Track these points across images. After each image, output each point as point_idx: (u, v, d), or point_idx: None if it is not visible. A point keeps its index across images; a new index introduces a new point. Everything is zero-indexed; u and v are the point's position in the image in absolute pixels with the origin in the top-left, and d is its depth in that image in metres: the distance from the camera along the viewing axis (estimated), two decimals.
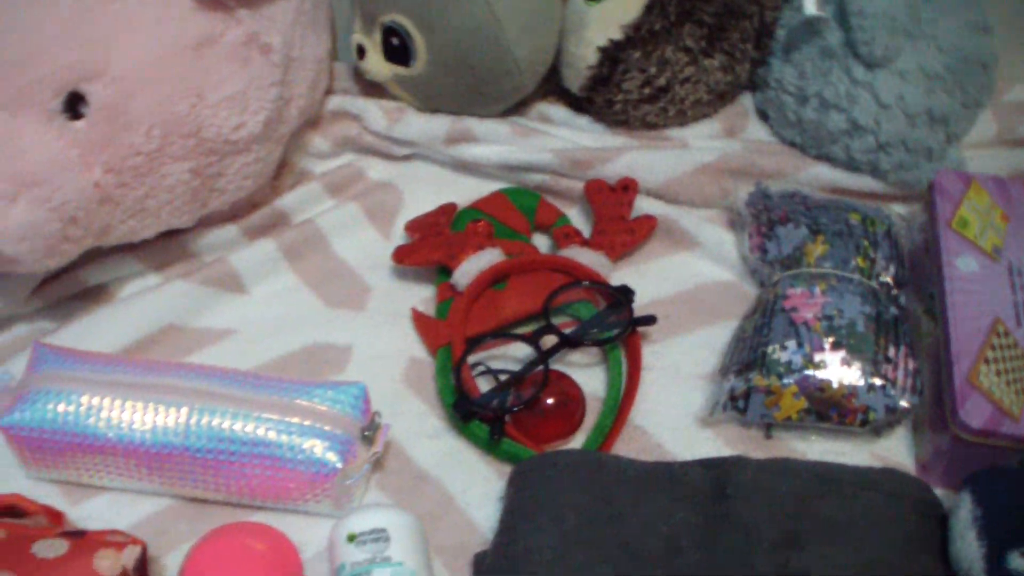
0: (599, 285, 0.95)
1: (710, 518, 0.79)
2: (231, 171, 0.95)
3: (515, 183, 1.08)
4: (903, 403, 0.87)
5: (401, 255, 0.98)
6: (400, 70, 1.05)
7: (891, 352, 0.88)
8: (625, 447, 0.89)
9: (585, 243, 0.99)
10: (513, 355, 0.95)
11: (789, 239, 0.96)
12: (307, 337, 0.97)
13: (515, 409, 0.87)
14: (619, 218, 1.01)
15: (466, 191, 1.06)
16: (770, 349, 0.89)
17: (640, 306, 0.95)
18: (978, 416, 0.82)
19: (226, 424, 0.81)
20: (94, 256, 0.96)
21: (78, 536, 0.76)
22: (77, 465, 0.84)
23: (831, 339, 0.88)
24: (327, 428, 0.82)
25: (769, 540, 0.77)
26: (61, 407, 0.82)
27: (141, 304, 0.97)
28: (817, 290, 0.91)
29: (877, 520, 0.78)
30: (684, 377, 0.94)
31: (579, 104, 1.11)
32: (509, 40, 1.00)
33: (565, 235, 1.00)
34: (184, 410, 0.82)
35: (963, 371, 0.84)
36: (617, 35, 1.03)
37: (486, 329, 0.94)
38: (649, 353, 0.95)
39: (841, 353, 0.88)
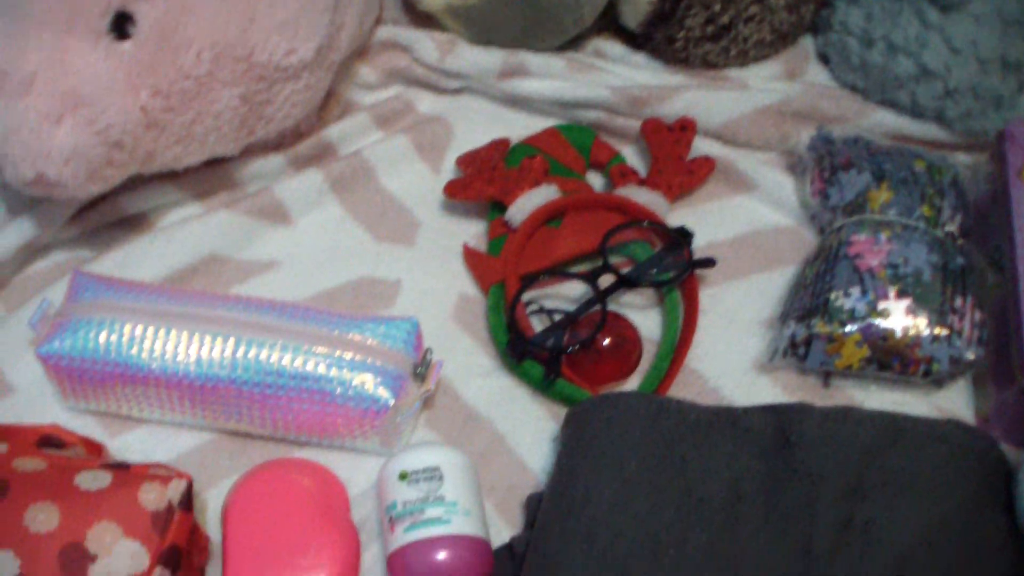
0: (657, 226, 0.92)
1: (773, 466, 0.76)
2: (280, 98, 0.93)
3: (568, 120, 1.05)
4: (968, 355, 0.85)
5: (454, 189, 0.95)
6: (456, 0, 1.02)
7: (957, 303, 0.86)
8: (681, 392, 0.87)
9: (642, 183, 0.97)
10: (566, 294, 0.93)
11: (852, 185, 0.93)
12: (354, 271, 0.94)
13: (571, 349, 0.85)
14: (677, 158, 0.98)
15: (517, 127, 1.04)
16: (833, 296, 0.86)
17: (696, 249, 0.92)
18: None
19: (274, 357, 0.79)
20: (134, 183, 0.94)
21: (121, 468, 0.73)
22: (117, 396, 0.82)
23: (896, 287, 0.86)
24: (379, 363, 0.79)
25: (834, 490, 0.74)
26: (103, 337, 0.79)
27: (182, 234, 0.94)
28: (882, 237, 0.88)
29: (944, 473, 0.75)
30: (741, 322, 0.92)
31: (635, 41, 1.08)
32: None
33: (621, 174, 0.98)
34: (231, 342, 0.79)
35: None
36: None
37: (540, 267, 0.91)
38: (705, 297, 0.92)
39: (906, 302, 0.85)
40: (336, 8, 0.93)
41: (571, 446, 0.78)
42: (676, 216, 0.97)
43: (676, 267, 0.91)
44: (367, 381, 0.78)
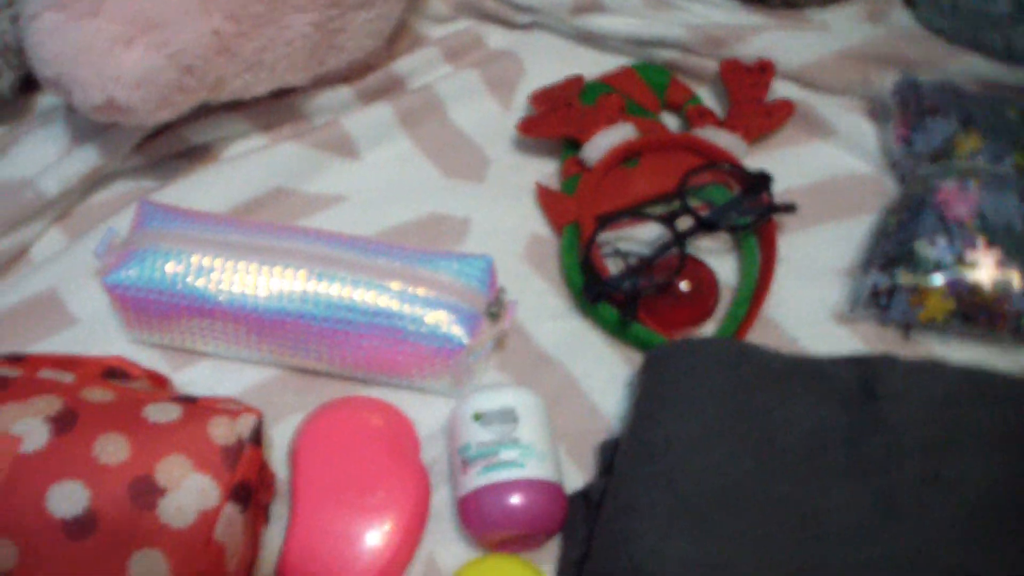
0: (737, 168, 0.89)
1: (857, 418, 0.74)
2: (352, 27, 0.90)
3: (641, 58, 1.02)
4: None
5: (528, 126, 0.93)
6: None
7: None
8: (757, 340, 0.84)
9: (720, 124, 0.94)
10: (640, 237, 0.91)
11: (938, 131, 0.90)
12: (422, 207, 0.93)
13: (648, 292, 0.82)
14: (755, 100, 0.96)
15: (589, 64, 1.01)
16: (918, 245, 0.84)
17: (773, 194, 0.90)
18: None
19: (346, 291, 0.77)
20: (200, 113, 0.92)
21: (190, 402, 0.72)
22: (183, 329, 0.80)
23: (985, 238, 0.83)
24: (453, 301, 0.77)
25: (919, 444, 0.73)
26: (170, 267, 0.77)
27: (248, 165, 0.92)
28: (971, 185, 0.85)
29: None
30: (819, 271, 0.90)
31: None
32: None
33: (699, 114, 0.95)
34: (302, 274, 0.77)
35: None
36: None
37: (615, 208, 0.89)
38: (782, 244, 0.89)
39: (996, 253, 0.82)
40: None
41: (650, 391, 0.76)
42: (752, 161, 0.94)
43: (755, 212, 0.88)
44: (441, 319, 0.76)
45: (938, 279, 0.82)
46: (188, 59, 0.82)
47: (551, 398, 0.81)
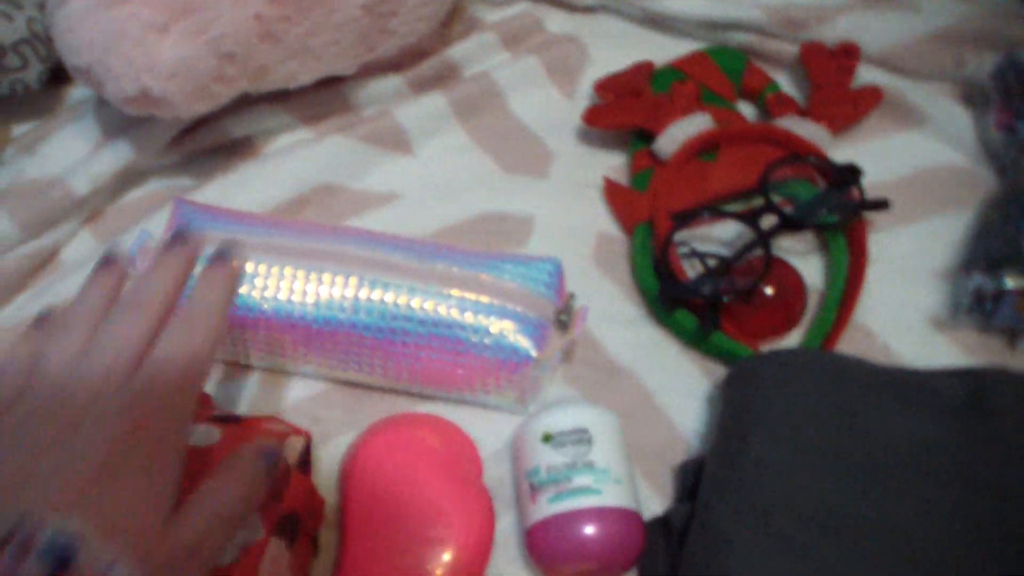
0: (824, 162, 0.83)
1: (967, 438, 0.68)
2: (404, 9, 0.86)
3: (714, 42, 0.96)
4: None
5: (594, 116, 0.88)
6: None
7: None
8: (846, 348, 0.78)
9: (803, 113, 0.88)
10: (715, 236, 0.85)
11: None
12: (481, 205, 0.87)
13: (730, 298, 0.76)
14: (840, 87, 0.90)
15: (657, 50, 0.95)
16: None
17: (863, 189, 0.83)
18: None
19: (402, 299, 0.71)
20: (241, 104, 0.87)
21: (232, 422, 0.66)
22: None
23: None
24: (519, 309, 0.71)
25: None
26: None
27: (292, 160, 0.87)
28: None
29: None
30: (912, 272, 0.83)
31: None
32: None
33: (779, 102, 0.89)
34: (353, 281, 0.72)
35: None
36: None
37: (692, 205, 0.83)
38: (871, 243, 0.83)
39: None
40: None
41: (737, 409, 0.70)
42: (836, 153, 0.88)
43: (844, 208, 0.82)
44: (507, 329, 0.70)
45: None
46: (228, 46, 0.77)
47: (623, 413, 0.74)
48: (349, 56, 0.86)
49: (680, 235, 0.81)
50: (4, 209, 0.82)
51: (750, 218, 0.78)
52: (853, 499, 0.65)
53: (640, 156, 0.87)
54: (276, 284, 0.72)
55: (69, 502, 0.45)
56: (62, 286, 0.81)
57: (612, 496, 0.66)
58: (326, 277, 0.72)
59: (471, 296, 0.71)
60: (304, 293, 0.72)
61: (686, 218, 0.79)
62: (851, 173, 0.82)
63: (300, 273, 0.72)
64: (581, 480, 0.67)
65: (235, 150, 0.90)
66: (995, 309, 0.77)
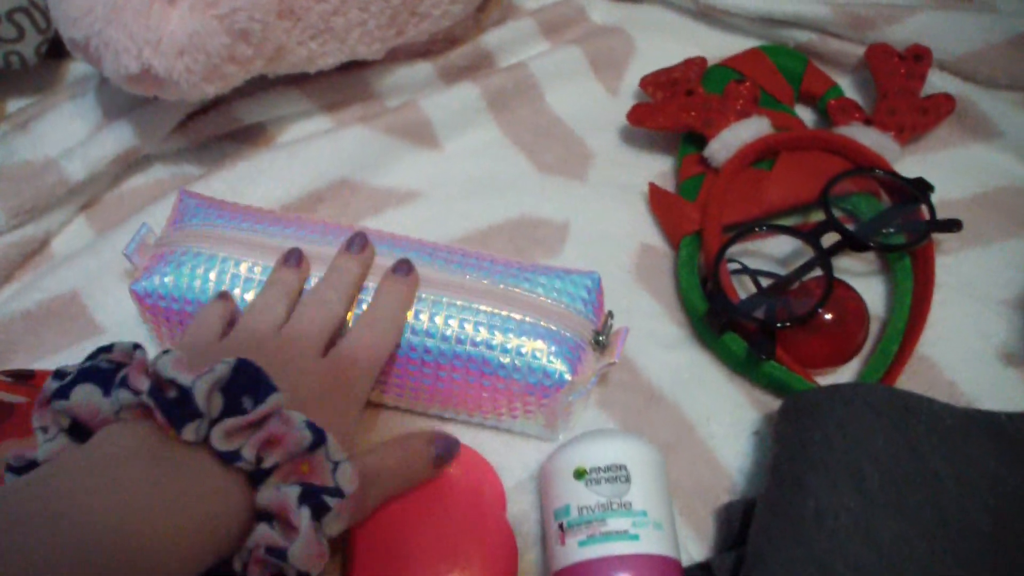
0: (891, 175, 0.78)
1: None
2: None
3: (772, 40, 0.93)
4: None
5: (640, 116, 0.83)
6: None
7: None
8: (908, 383, 0.73)
9: (868, 121, 0.83)
10: (766, 252, 0.80)
11: None
12: (512, 208, 0.83)
13: (786, 324, 0.70)
14: (909, 94, 0.84)
15: (709, 46, 0.93)
16: None
17: (933, 207, 0.78)
18: None
19: (424, 314, 0.65)
20: (254, 88, 0.84)
21: None
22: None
23: None
24: (554, 328, 0.65)
25: None
26: (213, 275, 0.66)
27: (307, 152, 0.83)
28: None
29: None
30: (982, 299, 0.78)
31: None
32: None
33: (842, 109, 0.84)
34: (369, 288, 0.65)
35: None
36: None
37: (745, 217, 0.78)
38: (938, 266, 0.77)
39: None
40: None
41: (793, 449, 0.64)
42: (902, 166, 0.83)
43: (912, 228, 0.76)
44: (540, 350, 0.64)
45: None
46: (243, 22, 0.71)
47: (661, 444, 0.70)
48: (376, 39, 0.82)
49: (730, 250, 0.75)
50: None
51: (810, 235, 0.72)
52: (923, 557, 0.59)
53: (689, 161, 0.82)
54: None
55: (306, 408, 0.53)
56: (52, 279, 0.76)
57: (651, 542, 0.60)
58: None
59: (503, 312, 0.65)
60: None
61: (741, 233, 0.73)
62: (921, 189, 0.77)
63: (313, 282, 0.66)
64: (616, 523, 0.60)
65: (246, 138, 0.87)
66: None
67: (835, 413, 0.63)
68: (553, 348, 0.64)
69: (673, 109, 0.82)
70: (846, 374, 0.74)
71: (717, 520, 0.67)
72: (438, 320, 0.64)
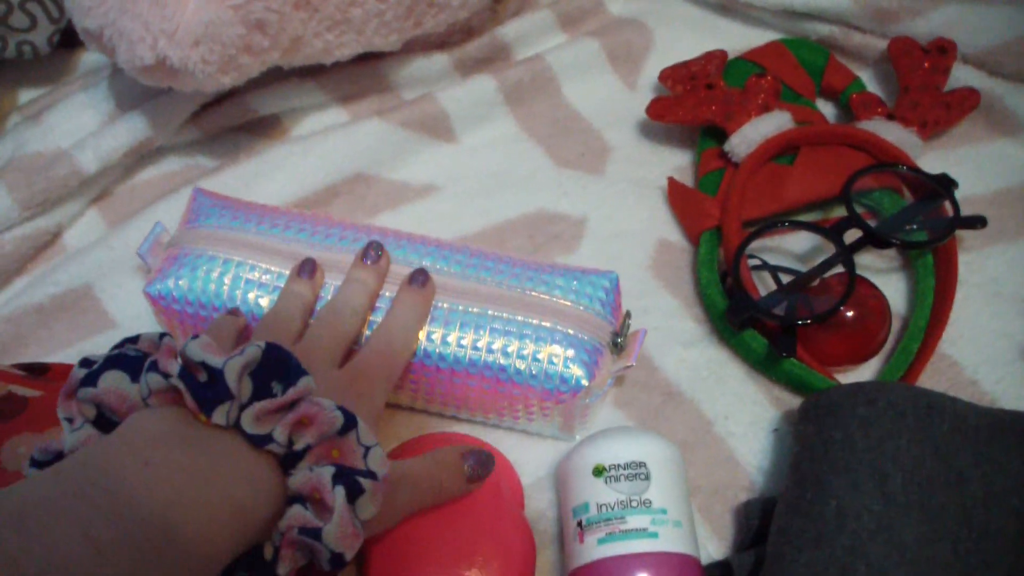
0: (914, 171, 0.76)
1: None
2: None
3: (793, 33, 0.92)
4: None
5: (660, 109, 0.82)
6: None
7: None
8: (929, 382, 0.72)
9: (891, 116, 0.82)
10: (785, 248, 0.79)
11: None
12: (529, 202, 0.82)
13: (807, 321, 0.69)
14: (933, 88, 0.83)
15: (729, 39, 0.92)
16: None
17: (958, 204, 0.77)
18: None
19: (439, 323, 0.64)
20: (269, 79, 0.83)
21: None
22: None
23: None
24: (571, 332, 0.64)
25: None
26: (228, 279, 0.65)
27: (322, 145, 0.82)
28: None
29: None
30: (1006, 297, 0.77)
31: None
32: None
33: (864, 104, 0.83)
34: (385, 297, 0.64)
35: None
36: None
37: (765, 213, 0.77)
38: (960, 264, 0.77)
39: None
40: None
41: (814, 449, 0.63)
42: (924, 161, 0.82)
43: (934, 224, 0.75)
44: (556, 355, 0.63)
45: None
46: (259, 12, 0.71)
47: (679, 442, 0.70)
48: (393, 30, 0.81)
49: (750, 246, 0.74)
50: (2, 184, 0.78)
51: (832, 232, 0.71)
52: (948, 562, 0.58)
53: (709, 156, 0.81)
54: None
55: (338, 396, 0.54)
56: (65, 273, 0.75)
57: (670, 540, 0.60)
58: None
59: (519, 317, 0.64)
60: None
61: (762, 228, 0.72)
62: (944, 185, 0.76)
63: (329, 286, 0.65)
64: (636, 521, 0.60)
65: (261, 130, 0.86)
66: None
67: (857, 412, 0.62)
68: (570, 352, 0.63)
69: (693, 103, 0.81)
70: (866, 373, 0.73)
71: (735, 519, 0.67)
72: (454, 329, 0.63)
